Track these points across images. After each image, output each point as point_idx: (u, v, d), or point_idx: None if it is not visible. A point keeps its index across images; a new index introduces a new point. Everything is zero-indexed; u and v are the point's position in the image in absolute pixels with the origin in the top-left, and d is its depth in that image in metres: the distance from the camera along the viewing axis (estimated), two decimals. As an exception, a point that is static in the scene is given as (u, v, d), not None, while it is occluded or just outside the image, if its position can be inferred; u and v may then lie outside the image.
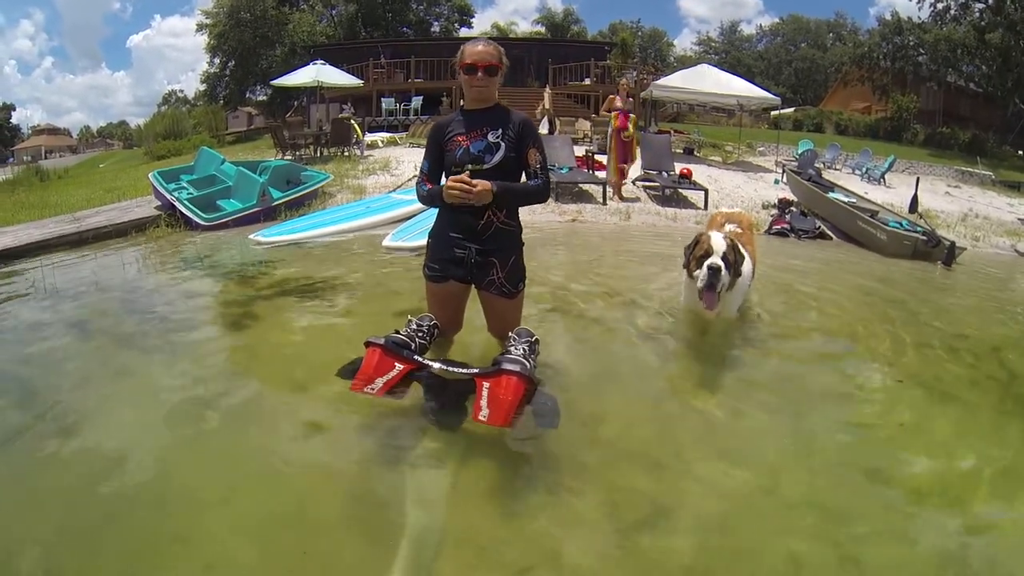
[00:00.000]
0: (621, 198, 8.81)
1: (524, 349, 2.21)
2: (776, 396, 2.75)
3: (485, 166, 2.35)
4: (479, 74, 2.34)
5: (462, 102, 2.53)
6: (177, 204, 6.50)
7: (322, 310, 3.64)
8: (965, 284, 5.73)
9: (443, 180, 2.44)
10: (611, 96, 8.88)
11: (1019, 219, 8.61)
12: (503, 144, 2.36)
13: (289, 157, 11.48)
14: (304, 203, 7.44)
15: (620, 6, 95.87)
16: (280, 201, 7.04)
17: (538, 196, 2.45)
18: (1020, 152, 23.40)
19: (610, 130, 8.75)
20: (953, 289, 5.54)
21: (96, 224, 6.01)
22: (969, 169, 17.32)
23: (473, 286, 2.57)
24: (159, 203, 6.87)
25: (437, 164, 2.48)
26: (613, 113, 8.65)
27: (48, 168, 16.90)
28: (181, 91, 48.10)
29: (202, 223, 6.29)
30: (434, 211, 2.56)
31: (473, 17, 38.43)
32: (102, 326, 3.30)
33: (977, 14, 23.12)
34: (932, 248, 6.56)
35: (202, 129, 24.37)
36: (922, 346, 3.54)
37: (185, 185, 7.17)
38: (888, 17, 25.65)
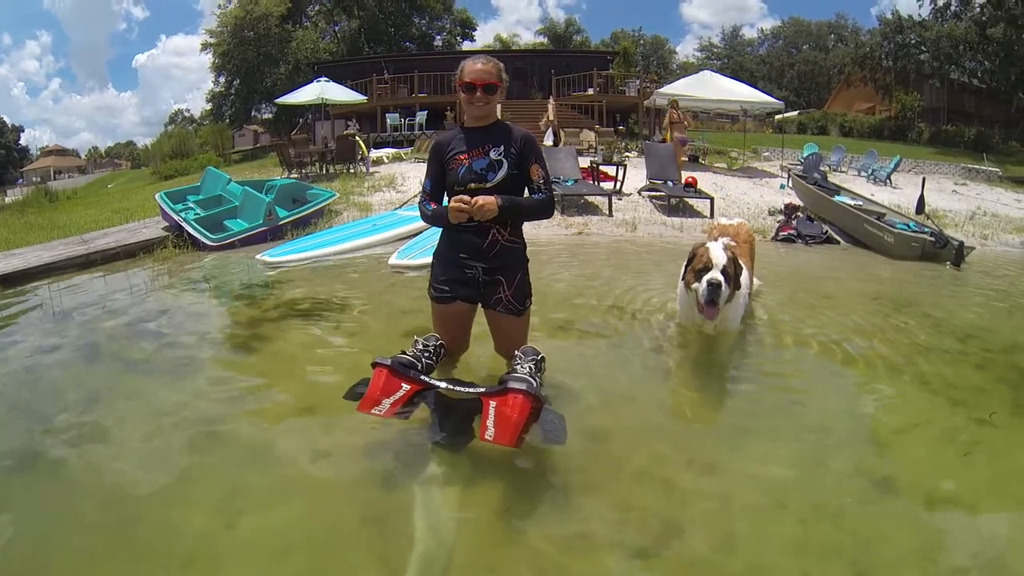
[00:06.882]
0: None
1: (530, 367, 2.21)
2: (783, 410, 2.74)
3: (488, 184, 2.36)
4: (478, 93, 2.35)
5: (463, 118, 2.53)
6: (184, 225, 6.56)
7: (329, 331, 3.64)
8: (974, 284, 5.67)
9: (446, 200, 2.46)
10: None
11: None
12: (505, 162, 2.38)
13: (295, 175, 11.54)
14: (310, 221, 7.48)
15: (622, 15, 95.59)
16: (286, 220, 7.09)
17: (543, 210, 2.46)
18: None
19: None
20: (962, 289, 5.48)
21: (104, 246, 6.07)
22: (976, 166, 17.19)
23: (479, 306, 2.57)
24: (167, 224, 6.94)
25: (439, 183, 2.48)
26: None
27: (57, 189, 17.05)
28: (187, 110, 49.20)
29: (209, 243, 6.34)
30: (439, 228, 2.57)
31: (475, 30, 38.75)
32: (111, 349, 3.32)
33: (978, 9, 22.99)
34: (940, 249, 6.50)
35: (209, 148, 24.65)
36: (928, 350, 3.50)
37: (192, 205, 7.24)
38: (889, 16, 25.65)
